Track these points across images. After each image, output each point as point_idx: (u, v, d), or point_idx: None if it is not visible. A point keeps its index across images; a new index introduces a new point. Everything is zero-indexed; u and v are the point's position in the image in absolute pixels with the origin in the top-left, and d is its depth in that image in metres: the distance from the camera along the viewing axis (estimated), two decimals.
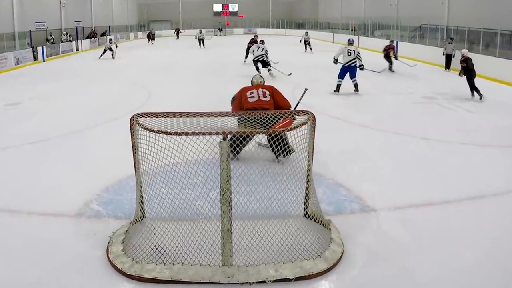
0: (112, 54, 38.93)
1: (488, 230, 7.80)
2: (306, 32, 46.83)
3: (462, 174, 10.27)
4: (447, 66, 28.54)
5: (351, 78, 19.98)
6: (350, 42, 21.22)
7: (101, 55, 39.30)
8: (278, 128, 6.99)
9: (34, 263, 6.82)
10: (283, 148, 8.83)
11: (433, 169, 10.53)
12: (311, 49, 43.74)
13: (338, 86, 20.15)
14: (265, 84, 11.13)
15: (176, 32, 74.61)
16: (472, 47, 27.34)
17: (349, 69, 19.98)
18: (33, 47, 37.07)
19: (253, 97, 10.19)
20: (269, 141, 8.88)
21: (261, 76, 11.39)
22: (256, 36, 26.32)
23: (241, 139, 7.27)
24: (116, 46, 40.81)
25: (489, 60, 25.27)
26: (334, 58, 20.91)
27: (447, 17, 37.44)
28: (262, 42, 26.59)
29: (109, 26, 64.90)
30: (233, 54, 22.89)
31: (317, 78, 24.74)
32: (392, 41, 29.70)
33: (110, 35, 61.99)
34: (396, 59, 28.09)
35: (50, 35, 42.74)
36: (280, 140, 8.44)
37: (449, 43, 28.04)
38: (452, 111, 16.69)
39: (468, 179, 10.01)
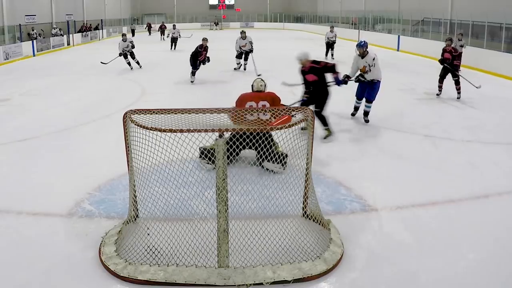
0: (175, 45, 40.94)
1: (493, 230, 7.81)
2: (332, 28, 33.20)
3: (466, 173, 10.30)
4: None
5: (367, 100, 14.40)
6: (362, 45, 14.23)
7: (172, 46, 41.03)
8: (277, 124, 6.97)
9: (23, 264, 6.81)
10: (273, 154, 8.85)
11: (436, 168, 10.56)
12: (332, 54, 31.98)
13: (355, 108, 15.21)
14: (266, 90, 11.18)
15: (147, 27, 73.03)
16: (476, 41, 27.26)
17: (369, 86, 14.20)
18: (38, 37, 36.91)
19: (252, 114, 10.09)
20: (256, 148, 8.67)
21: (262, 80, 11.29)
22: (243, 32, 26.00)
23: (234, 147, 7.35)
24: (180, 36, 41.91)
25: (493, 55, 25.27)
26: (348, 76, 14.19)
27: (450, 10, 37.33)
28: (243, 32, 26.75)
29: (102, 19, 64.75)
30: (228, 48, 22.85)
31: None
32: (450, 40, 19.08)
33: (102, 29, 61.91)
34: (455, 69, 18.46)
35: (32, 30, 42.53)
36: (267, 142, 8.36)
37: (458, 39, 26.12)
38: (455, 107, 16.68)
39: (472, 177, 10.03)
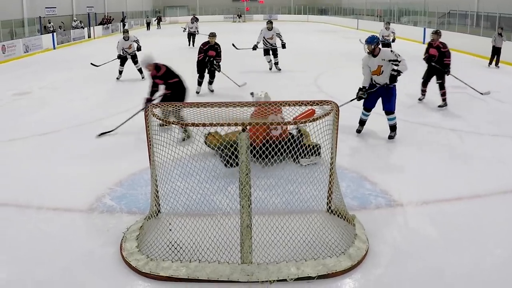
0: (193, 41, 37.35)
1: None
2: (387, 23, 28.91)
3: (492, 167, 10.24)
4: (494, 61, 25.08)
5: (387, 112, 12.09)
6: (373, 40, 11.73)
7: (190, 43, 37.54)
8: (300, 118, 6.95)
9: (43, 260, 6.84)
10: (304, 147, 8.77)
11: (462, 162, 10.52)
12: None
13: (361, 121, 12.58)
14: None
15: (157, 20, 70.10)
16: (505, 34, 27.05)
17: (383, 92, 11.94)
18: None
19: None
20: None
21: (261, 92, 10.49)
22: (270, 22, 22.80)
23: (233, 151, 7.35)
24: (198, 31, 38.02)
25: None
26: (365, 88, 12.08)
27: (477, 2, 37.15)
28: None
29: (123, 12, 64.86)
30: (252, 42, 22.53)
31: (340, 65, 24.65)
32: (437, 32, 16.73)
33: (125, 21, 61.88)
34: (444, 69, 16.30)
35: (49, 22, 42.61)
36: (295, 144, 8.27)
37: (498, 34, 24.79)
38: (482, 101, 16.51)
39: (498, 172, 9.97)
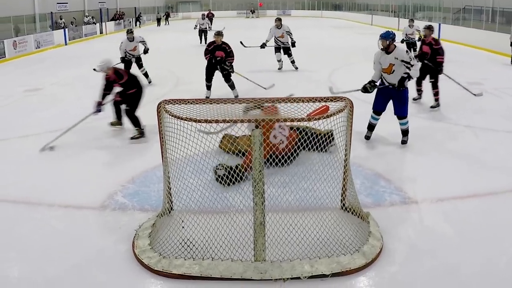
0: (205, 38, 35.48)
1: None
2: (411, 20, 26.17)
3: (507, 164, 10.20)
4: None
5: (400, 117, 11.37)
6: (388, 36, 10.93)
7: (202, 40, 35.68)
8: (314, 115, 6.92)
9: (55, 258, 6.87)
10: (317, 139, 8.70)
11: (477, 159, 10.47)
12: (416, 57, 19.62)
13: (370, 126, 11.81)
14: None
15: (165, 16, 68.74)
16: None
17: (395, 95, 11.17)
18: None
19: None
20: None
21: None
22: (278, 20, 21.91)
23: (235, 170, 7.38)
24: (210, 28, 36.78)
25: None
26: (374, 82, 11.45)
27: None
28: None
29: (135, 7, 64.91)
30: (264, 37, 22.41)
31: (354, 62, 24.56)
32: (429, 28, 15.94)
33: (141, 17, 61.91)
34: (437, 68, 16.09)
35: (61, 18, 42.92)
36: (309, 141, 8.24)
37: None
38: (498, 97, 16.50)
39: None
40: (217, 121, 6.39)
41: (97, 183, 9.36)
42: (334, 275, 6.24)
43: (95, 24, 48.17)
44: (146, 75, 19.90)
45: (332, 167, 7.38)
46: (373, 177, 9.45)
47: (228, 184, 8.42)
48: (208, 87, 17.04)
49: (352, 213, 7.65)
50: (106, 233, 7.53)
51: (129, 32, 19.95)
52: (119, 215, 8.10)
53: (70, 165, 10.49)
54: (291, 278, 6.17)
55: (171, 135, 7.10)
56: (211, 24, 46.28)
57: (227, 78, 16.65)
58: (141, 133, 12.00)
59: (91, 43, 39.65)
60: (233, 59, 16.44)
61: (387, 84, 11.14)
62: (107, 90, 12.23)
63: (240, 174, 8.49)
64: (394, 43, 10.97)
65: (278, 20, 22.15)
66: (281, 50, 22.11)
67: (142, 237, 7.05)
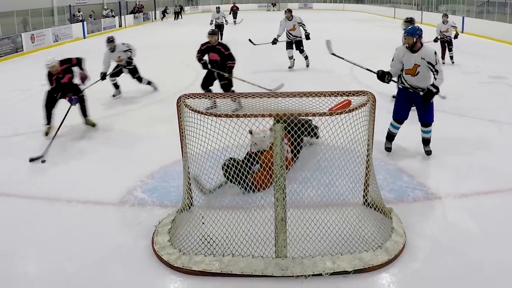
0: (221, 34, 30.09)
1: None
2: (445, 16, 22.31)
3: None
4: None
5: (425, 124, 10.22)
6: (415, 32, 9.66)
7: (218, 36, 31.50)
8: (336, 109, 6.89)
9: (73, 254, 6.89)
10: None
11: (501, 154, 10.41)
12: (451, 57, 21.60)
13: (390, 136, 10.61)
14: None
15: (179, 9, 65.27)
16: None
17: (419, 100, 9.98)
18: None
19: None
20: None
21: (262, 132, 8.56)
22: (288, 11, 20.40)
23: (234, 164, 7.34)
24: (227, 22, 33.78)
25: None
26: (390, 74, 10.05)
27: None
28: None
29: (154, 0, 64.89)
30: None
31: (377, 55, 24.40)
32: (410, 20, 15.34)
33: (167, 11, 61.83)
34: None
35: (79, 11, 43.14)
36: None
37: None
38: None
39: None
40: (237, 116, 6.39)
41: (116, 178, 9.40)
42: (356, 271, 6.23)
43: (114, 17, 48.28)
44: (149, 83, 17.09)
45: (354, 162, 7.37)
46: (395, 172, 9.43)
47: (233, 182, 8.30)
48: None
49: (375, 208, 7.63)
50: (125, 229, 7.56)
51: (110, 41, 16.31)
52: (138, 211, 8.12)
53: (88, 160, 10.57)
54: (313, 275, 6.16)
55: (191, 130, 7.11)
56: (235, 18, 46.45)
57: (227, 87, 13.97)
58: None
59: None
60: (234, 63, 14.02)
61: (409, 86, 9.92)
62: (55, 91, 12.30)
63: (248, 175, 8.32)
64: (420, 41, 9.70)
65: (288, 11, 20.51)
66: (293, 46, 20.50)
67: (162, 233, 7.06)
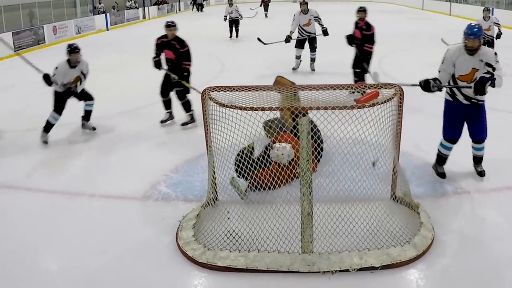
0: (236, 30, 29.99)
1: None
2: (487, 10, 20.49)
3: None
4: None
5: (478, 141, 9.03)
6: (479, 32, 8.08)
7: (232, 33, 29.87)
8: (364, 100, 6.86)
9: (96, 250, 6.92)
10: None
11: None
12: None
13: (441, 158, 9.13)
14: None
15: (198, 3, 60.33)
16: None
17: (472, 113, 8.79)
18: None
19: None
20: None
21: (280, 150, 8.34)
22: (304, 3, 18.24)
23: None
24: (241, 17, 29.97)
25: None
26: (439, 81, 8.36)
27: None
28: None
29: None
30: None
31: (404, 48, 24.28)
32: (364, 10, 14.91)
33: (203, 2, 61.45)
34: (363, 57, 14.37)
35: (100, 3, 43.05)
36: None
37: None
38: None
39: None
40: (263, 109, 6.40)
41: (139, 172, 9.43)
42: (384, 267, 6.22)
43: (138, 8, 48.29)
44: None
45: (382, 156, 7.36)
46: (423, 166, 9.40)
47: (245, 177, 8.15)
48: (166, 106, 12.52)
49: (403, 203, 7.63)
50: (148, 224, 7.60)
51: (73, 51, 12.07)
52: (162, 206, 8.15)
53: (111, 154, 10.62)
54: (340, 271, 6.16)
55: (216, 124, 7.15)
56: (267, 11, 44.00)
57: (181, 94, 12.15)
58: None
59: (133, 28, 39.79)
60: (190, 64, 12.09)
61: (463, 97, 8.59)
62: None
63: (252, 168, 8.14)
64: (480, 41, 8.16)
65: (304, 3, 18.24)
66: (305, 45, 18.33)
67: (186, 228, 7.08)
